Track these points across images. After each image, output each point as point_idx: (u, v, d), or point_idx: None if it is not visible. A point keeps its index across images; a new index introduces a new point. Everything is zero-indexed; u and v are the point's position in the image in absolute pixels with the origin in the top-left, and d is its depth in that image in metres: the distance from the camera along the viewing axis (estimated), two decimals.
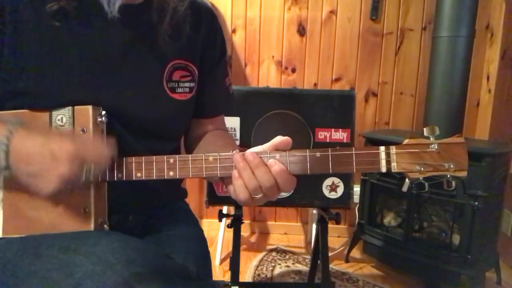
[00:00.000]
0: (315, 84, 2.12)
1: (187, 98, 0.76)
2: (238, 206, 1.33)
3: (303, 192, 1.29)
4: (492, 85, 2.00)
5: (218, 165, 0.60)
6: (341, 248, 2.07)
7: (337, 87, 2.11)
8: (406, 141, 0.57)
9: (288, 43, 2.10)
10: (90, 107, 0.63)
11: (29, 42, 0.63)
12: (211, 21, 0.81)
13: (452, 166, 0.56)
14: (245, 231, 2.26)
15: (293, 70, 2.12)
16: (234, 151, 0.60)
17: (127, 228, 0.75)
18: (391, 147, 0.56)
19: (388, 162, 0.56)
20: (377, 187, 1.79)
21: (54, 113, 0.64)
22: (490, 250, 1.62)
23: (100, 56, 0.66)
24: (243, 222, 1.30)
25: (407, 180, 1.56)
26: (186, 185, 1.90)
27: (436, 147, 0.56)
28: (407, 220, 1.70)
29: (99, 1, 0.64)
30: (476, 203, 1.48)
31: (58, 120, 0.63)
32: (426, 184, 0.61)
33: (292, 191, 1.28)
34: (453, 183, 0.57)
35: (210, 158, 0.60)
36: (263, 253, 2.00)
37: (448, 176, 0.57)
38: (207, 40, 0.80)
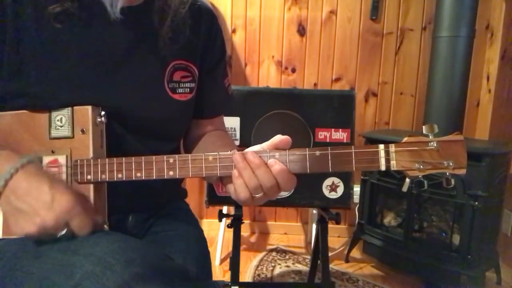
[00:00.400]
0: (315, 84, 2.12)
1: (188, 98, 0.76)
2: (238, 206, 1.33)
3: (303, 192, 1.29)
4: (492, 85, 2.00)
5: (218, 165, 0.60)
6: (341, 248, 2.07)
7: (337, 87, 2.11)
8: (405, 139, 0.57)
9: (288, 43, 2.10)
10: (89, 108, 0.63)
11: (30, 43, 0.63)
12: (211, 22, 0.81)
13: (451, 164, 0.56)
14: (245, 231, 2.26)
15: (293, 70, 2.12)
16: (233, 151, 0.60)
17: (127, 228, 0.76)
18: (390, 145, 0.56)
19: (388, 160, 0.56)
20: (377, 187, 1.79)
21: (54, 113, 0.64)
22: (490, 250, 1.62)
23: (100, 57, 0.66)
24: (243, 222, 1.30)
25: (407, 180, 1.56)
26: (186, 185, 1.90)
27: (435, 145, 0.56)
28: (407, 220, 1.70)
29: (100, 2, 0.64)
30: (476, 203, 1.48)
31: (58, 120, 0.63)
32: (426, 182, 0.61)
33: (292, 191, 1.28)
34: (452, 181, 0.57)
35: (210, 158, 0.60)
36: (263, 253, 2.00)
37: (447, 174, 0.57)
38: (207, 41, 0.80)
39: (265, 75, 2.13)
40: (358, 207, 1.90)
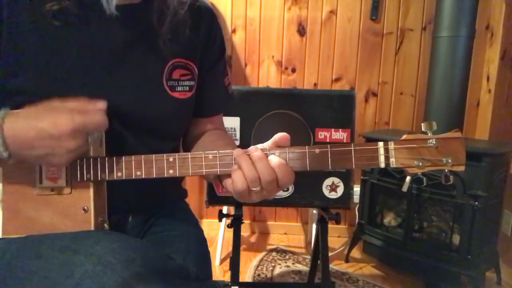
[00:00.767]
0: (315, 84, 2.12)
1: (187, 96, 0.76)
2: (238, 206, 1.33)
3: (303, 192, 1.29)
4: (492, 85, 2.00)
5: (218, 163, 0.60)
6: (341, 248, 2.07)
7: (337, 87, 2.11)
8: (404, 137, 0.57)
9: (288, 43, 2.10)
10: None
11: (28, 40, 0.62)
12: (210, 20, 0.81)
13: (450, 161, 0.56)
14: (245, 231, 2.26)
15: (293, 70, 2.12)
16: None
17: (127, 228, 0.76)
18: (389, 142, 0.57)
19: (387, 158, 0.57)
20: (377, 187, 1.79)
21: None
22: (490, 250, 1.62)
23: (99, 55, 0.66)
24: (243, 222, 1.30)
25: (407, 180, 1.56)
26: (186, 185, 1.90)
27: (434, 142, 0.56)
28: (407, 220, 1.70)
29: (98, 0, 0.64)
30: (476, 203, 1.48)
31: None
32: (425, 179, 0.61)
33: (292, 191, 1.28)
34: (451, 178, 0.57)
35: (210, 156, 0.60)
36: (263, 253, 2.00)
37: (446, 171, 0.57)
38: (207, 39, 0.80)
39: (265, 75, 2.13)
40: (358, 207, 1.90)
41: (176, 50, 0.73)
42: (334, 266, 1.88)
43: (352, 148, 0.57)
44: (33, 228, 0.62)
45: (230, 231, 1.28)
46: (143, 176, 0.61)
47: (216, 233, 1.96)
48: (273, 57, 2.11)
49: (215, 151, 0.60)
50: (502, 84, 1.95)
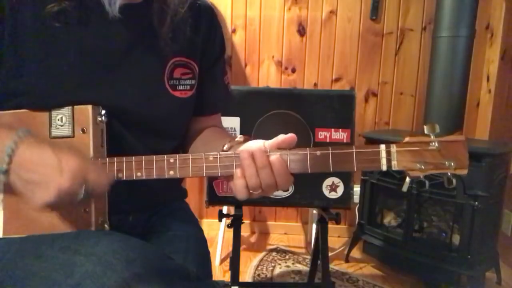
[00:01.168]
0: (315, 84, 2.12)
1: (188, 95, 0.76)
2: (238, 206, 1.33)
3: (303, 192, 1.29)
4: (492, 85, 2.00)
5: (219, 164, 0.60)
6: (341, 248, 2.07)
7: (337, 87, 2.11)
8: (406, 139, 0.56)
9: (288, 43, 2.10)
10: (89, 107, 0.63)
11: (29, 42, 0.63)
12: (210, 18, 0.81)
13: (452, 164, 0.55)
14: (245, 231, 2.26)
15: (293, 70, 2.12)
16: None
17: (127, 228, 0.75)
18: (391, 145, 0.56)
19: (389, 161, 0.56)
20: (377, 187, 1.79)
21: (54, 112, 0.63)
22: (490, 250, 1.62)
23: (100, 55, 0.66)
24: (243, 222, 1.30)
25: (407, 180, 1.56)
26: (186, 185, 1.90)
27: (437, 145, 0.55)
28: (407, 220, 1.70)
29: (99, 1, 0.64)
30: (476, 203, 1.48)
31: (58, 120, 0.63)
32: (427, 183, 0.60)
33: (292, 191, 1.28)
34: (454, 181, 0.57)
35: (211, 157, 0.60)
36: (263, 253, 2.00)
37: (449, 174, 0.56)
38: (207, 37, 0.80)
39: (265, 75, 2.13)
40: (358, 207, 1.90)
41: (176, 49, 0.73)
42: (334, 266, 1.88)
43: (354, 150, 0.57)
44: (33, 228, 0.62)
45: (230, 231, 1.28)
46: (144, 177, 0.61)
47: (216, 233, 1.96)
48: (273, 57, 2.11)
49: (216, 153, 0.60)
50: (502, 84, 1.95)
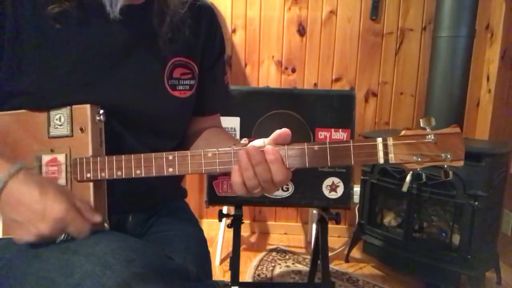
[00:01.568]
0: (315, 84, 2.12)
1: (188, 95, 0.76)
2: (238, 206, 1.33)
3: (303, 192, 1.29)
4: (492, 85, 2.00)
5: (217, 161, 0.60)
6: (341, 248, 2.07)
7: (337, 87, 2.11)
8: (403, 132, 0.57)
9: (288, 43, 2.10)
10: (88, 106, 0.63)
11: (29, 42, 0.63)
12: (210, 19, 0.81)
13: (449, 156, 0.56)
14: (245, 231, 2.26)
15: (293, 70, 2.12)
16: (232, 147, 0.60)
17: (127, 228, 0.76)
18: (388, 138, 0.57)
19: (386, 154, 0.57)
20: (377, 187, 1.79)
21: (52, 112, 0.63)
22: (490, 250, 1.62)
23: (100, 55, 0.66)
24: (243, 222, 1.30)
25: (407, 180, 1.56)
26: (186, 185, 1.90)
27: (433, 137, 0.56)
28: (407, 220, 1.70)
29: (99, 2, 0.64)
30: (476, 203, 1.48)
31: (57, 119, 0.63)
32: (424, 176, 0.61)
33: (292, 191, 1.28)
34: (450, 173, 0.57)
35: (209, 154, 0.60)
36: (263, 253, 2.00)
37: (446, 166, 0.57)
38: (207, 38, 0.80)
39: (265, 75, 2.13)
40: (358, 207, 1.90)
41: (176, 50, 0.73)
42: (334, 266, 1.88)
43: (351, 144, 0.57)
44: None
45: (230, 231, 1.28)
46: (143, 175, 0.61)
47: (216, 233, 1.96)
48: (273, 57, 2.11)
49: (214, 149, 0.60)
50: (502, 84, 1.95)
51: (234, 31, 2.10)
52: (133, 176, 0.61)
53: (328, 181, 1.28)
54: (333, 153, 0.57)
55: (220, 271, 1.83)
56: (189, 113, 0.81)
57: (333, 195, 1.29)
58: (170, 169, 0.61)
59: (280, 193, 1.28)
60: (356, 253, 1.98)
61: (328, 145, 0.57)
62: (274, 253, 2.01)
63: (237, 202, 1.31)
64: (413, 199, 1.66)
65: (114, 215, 0.68)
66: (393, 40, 2.07)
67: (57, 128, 0.63)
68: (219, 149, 0.60)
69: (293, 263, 1.90)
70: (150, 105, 0.71)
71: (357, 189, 1.88)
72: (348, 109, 1.29)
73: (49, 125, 0.64)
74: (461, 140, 0.56)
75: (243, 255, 1.92)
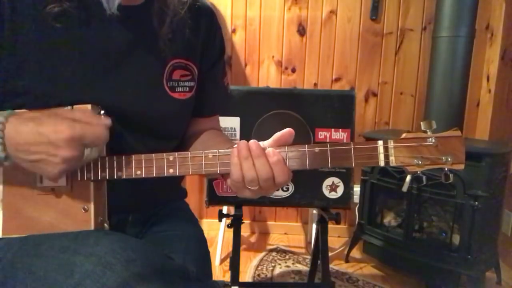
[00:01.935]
0: (315, 84, 2.12)
1: (187, 97, 0.76)
2: (238, 206, 1.33)
3: (303, 192, 1.29)
4: (492, 85, 2.00)
5: (218, 162, 0.60)
6: (341, 248, 2.07)
7: (337, 87, 2.11)
8: (404, 135, 0.57)
9: (288, 43, 2.10)
10: (89, 106, 0.63)
11: (29, 42, 0.62)
12: (210, 20, 0.81)
13: (449, 159, 0.56)
14: (245, 231, 2.26)
15: (293, 70, 2.12)
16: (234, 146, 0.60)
17: (127, 228, 0.76)
18: (389, 141, 0.57)
19: (386, 156, 0.57)
20: (377, 187, 1.79)
21: None
22: (490, 250, 1.62)
23: (100, 56, 0.66)
24: (243, 222, 1.30)
25: (407, 180, 1.56)
26: (186, 185, 1.90)
27: (434, 140, 0.56)
28: (407, 220, 1.70)
29: (99, 1, 0.64)
30: (476, 203, 1.48)
31: None
32: (424, 178, 0.61)
33: (292, 191, 1.28)
34: (451, 177, 0.57)
35: (210, 155, 0.60)
36: (263, 253, 2.00)
37: (446, 169, 0.57)
38: (207, 39, 0.80)
39: (265, 75, 2.13)
40: (358, 207, 1.90)
41: (176, 51, 0.73)
42: (334, 266, 1.88)
43: (352, 146, 0.57)
44: (33, 228, 0.62)
45: (230, 231, 1.28)
46: (143, 176, 0.61)
47: (216, 233, 1.96)
48: (273, 57, 2.11)
49: (215, 150, 0.60)
50: (502, 84, 1.95)
51: (234, 31, 2.10)
52: (134, 176, 0.61)
53: (328, 181, 1.29)
54: (334, 155, 0.57)
55: (220, 271, 1.83)
56: (189, 115, 0.81)
57: (333, 195, 1.29)
58: (171, 170, 0.61)
59: (280, 193, 1.28)
60: (356, 253, 1.98)
61: (328, 148, 0.57)
62: (274, 253, 2.01)
63: (237, 202, 1.31)
64: (413, 199, 1.67)
65: (114, 215, 0.68)
66: (393, 40, 2.07)
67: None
68: (219, 150, 0.60)
69: (293, 263, 1.90)
70: (150, 107, 0.71)
71: (357, 189, 1.88)
72: (348, 109, 1.29)
73: None
74: (461, 143, 0.56)
75: (243, 255, 1.92)
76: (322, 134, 1.29)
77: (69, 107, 0.63)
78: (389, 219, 1.86)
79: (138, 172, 0.61)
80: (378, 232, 1.80)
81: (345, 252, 1.95)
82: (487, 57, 2.04)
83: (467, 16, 1.67)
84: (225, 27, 2.08)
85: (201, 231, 0.83)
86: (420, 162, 0.56)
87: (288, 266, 1.87)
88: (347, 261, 1.93)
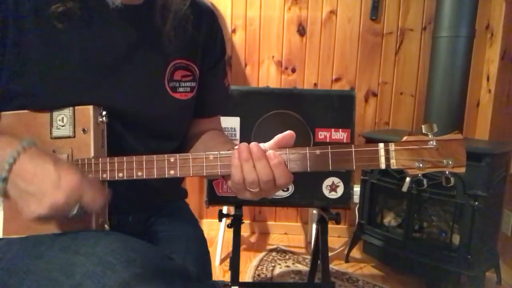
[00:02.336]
0: (315, 84, 2.12)
1: (188, 97, 0.76)
2: (238, 206, 1.33)
3: (303, 192, 1.29)
4: (492, 85, 2.00)
5: (219, 164, 0.60)
6: (341, 248, 2.07)
7: (337, 87, 2.11)
8: (405, 138, 0.57)
9: (288, 43, 2.10)
10: (90, 107, 0.63)
11: (32, 43, 0.63)
12: (211, 21, 0.81)
13: (450, 163, 0.56)
14: (245, 231, 2.26)
15: (293, 70, 2.12)
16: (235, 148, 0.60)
17: (127, 228, 0.75)
18: (390, 144, 0.57)
19: (387, 159, 0.57)
20: (377, 187, 1.79)
21: (55, 113, 0.64)
22: (490, 250, 1.62)
23: (102, 57, 0.66)
24: (243, 222, 1.30)
25: (407, 180, 1.56)
26: (186, 185, 1.90)
27: (435, 143, 0.56)
28: (407, 220, 1.70)
29: (102, 2, 0.64)
30: (476, 203, 1.48)
31: (59, 120, 0.63)
32: (425, 181, 0.61)
33: (292, 191, 1.28)
34: (452, 180, 0.57)
35: (211, 157, 0.60)
36: (263, 253, 2.00)
37: (447, 172, 0.57)
38: (208, 40, 0.80)
39: (265, 75, 2.13)
40: (358, 207, 1.90)
41: (177, 50, 0.73)
42: (334, 266, 1.88)
43: (353, 149, 0.57)
44: (33, 229, 0.62)
45: (230, 231, 1.28)
46: (144, 177, 0.61)
47: (216, 233, 1.96)
48: (273, 57, 2.11)
49: (216, 152, 0.60)
50: (502, 84, 1.95)
51: (234, 31, 2.10)
52: (135, 177, 0.61)
53: (328, 181, 1.29)
54: (335, 158, 0.57)
55: (220, 271, 1.83)
56: (190, 115, 0.81)
57: (333, 195, 1.29)
58: (172, 171, 0.61)
59: (280, 193, 1.29)
60: (356, 253, 1.98)
61: (329, 150, 0.57)
62: (274, 253, 2.01)
63: (237, 202, 1.31)
64: (413, 199, 1.67)
65: (115, 215, 0.69)
66: (393, 40, 2.07)
67: (59, 129, 0.63)
68: (220, 152, 0.60)
69: (293, 263, 1.90)
70: (151, 107, 0.71)
71: (357, 189, 1.88)
72: (348, 109, 1.29)
73: (51, 125, 0.64)
74: (462, 146, 0.56)
75: (243, 255, 1.92)
76: (322, 134, 1.29)
77: (71, 107, 0.63)
78: (389, 219, 1.86)
79: (139, 173, 0.61)
80: (378, 232, 1.80)
81: (345, 252, 1.95)
82: (487, 57, 2.04)
83: (467, 16, 1.67)
84: (225, 27, 2.08)
85: (201, 231, 0.83)
86: (421, 165, 0.56)
87: (288, 266, 1.87)
88: (347, 261, 1.93)
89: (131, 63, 0.69)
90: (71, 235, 0.58)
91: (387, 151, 0.57)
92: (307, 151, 0.58)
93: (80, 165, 0.62)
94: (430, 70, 1.79)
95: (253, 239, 2.21)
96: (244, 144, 0.58)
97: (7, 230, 0.63)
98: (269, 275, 1.78)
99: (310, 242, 2.03)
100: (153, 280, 0.51)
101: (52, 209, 0.52)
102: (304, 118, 1.28)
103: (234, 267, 1.24)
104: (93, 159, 0.62)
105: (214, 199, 1.30)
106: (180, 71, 0.75)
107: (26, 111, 0.64)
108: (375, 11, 2.04)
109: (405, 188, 1.58)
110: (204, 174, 0.60)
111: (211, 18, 0.81)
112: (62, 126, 0.63)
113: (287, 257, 1.97)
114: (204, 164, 0.60)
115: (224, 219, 1.82)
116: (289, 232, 2.26)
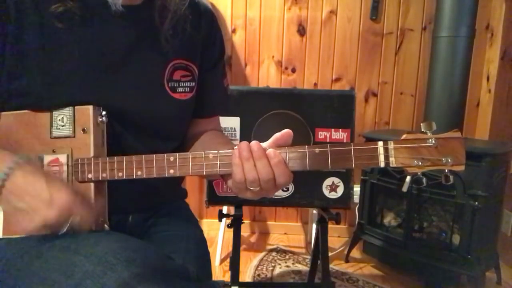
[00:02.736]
0: (315, 84, 2.12)
1: (188, 97, 0.76)
2: (238, 206, 1.33)
3: (303, 192, 1.29)
4: (492, 85, 2.00)
5: (218, 163, 0.60)
6: (341, 248, 2.07)
7: (337, 87, 2.11)
8: (404, 136, 0.57)
9: (288, 43, 2.10)
10: (90, 107, 0.63)
11: (32, 42, 0.63)
12: (211, 21, 0.81)
13: (449, 161, 0.56)
14: (245, 231, 2.26)
15: (293, 70, 2.12)
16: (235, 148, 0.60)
17: (127, 228, 0.76)
18: (389, 142, 0.57)
19: (386, 157, 0.57)
20: (377, 187, 1.79)
21: (55, 113, 0.64)
22: (490, 250, 1.62)
23: (102, 57, 0.66)
24: (243, 222, 1.30)
25: (407, 180, 1.56)
26: (186, 185, 1.90)
27: (434, 141, 0.56)
28: (407, 220, 1.70)
29: (102, 1, 0.64)
30: (476, 203, 1.48)
31: (59, 120, 0.64)
32: (425, 179, 0.61)
33: (292, 191, 1.28)
34: (451, 178, 0.57)
35: (210, 156, 0.60)
36: (263, 253, 2.00)
37: (446, 170, 0.57)
38: (207, 40, 0.80)
39: (265, 75, 2.13)
40: (358, 207, 1.90)
41: (177, 50, 0.73)
42: (334, 266, 1.88)
43: (352, 147, 0.57)
44: None
45: (230, 231, 1.28)
46: (144, 176, 0.61)
47: (216, 233, 1.96)
48: (273, 57, 2.11)
49: (215, 151, 0.60)
50: (502, 84, 1.95)
51: (234, 31, 2.10)
52: (134, 177, 0.61)
53: (328, 181, 1.29)
54: (334, 156, 0.57)
55: (220, 271, 1.83)
56: (189, 115, 0.81)
57: (333, 195, 1.29)
58: (171, 171, 0.61)
59: (280, 193, 1.29)
60: (356, 253, 1.98)
61: (329, 148, 0.57)
62: (274, 253, 2.01)
63: (237, 202, 1.31)
64: (413, 199, 1.67)
65: (114, 215, 0.69)
66: (393, 40, 2.07)
67: (59, 128, 0.63)
68: (220, 151, 0.60)
69: (293, 263, 1.90)
70: (151, 107, 0.71)
71: (357, 189, 1.88)
72: (348, 109, 1.29)
73: (51, 125, 0.64)
74: (462, 144, 0.56)
75: (243, 255, 1.92)
76: (322, 134, 1.29)
77: (71, 106, 0.63)
78: (389, 219, 1.86)
79: (139, 173, 0.61)
80: (378, 232, 1.80)
81: (345, 252, 1.95)
82: (487, 57, 2.04)
83: (467, 16, 1.67)
84: (225, 27, 2.08)
85: (201, 231, 0.83)
86: (420, 163, 0.56)
87: (288, 266, 1.87)
88: (347, 261, 1.93)
89: (130, 63, 0.69)
90: (71, 235, 0.58)
91: (386, 149, 0.57)
92: (307, 150, 0.58)
93: (80, 165, 0.63)
94: (430, 70, 1.79)
95: (253, 239, 2.21)
96: (245, 142, 0.58)
97: (7, 230, 0.63)
98: (269, 275, 1.78)
99: (310, 242, 2.03)
100: (153, 280, 0.51)
101: (43, 226, 0.53)
102: (304, 118, 1.28)
103: (234, 267, 1.24)
104: (92, 159, 0.62)
105: (214, 199, 1.30)
106: (179, 71, 0.75)
107: (26, 111, 0.64)
108: (375, 11, 2.04)
109: (405, 188, 1.58)
110: (204, 173, 0.60)
111: (210, 18, 0.82)
112: (62, 126, 0.63)
113: (287, 257, 1.97)
114: (204, 163, 0.60)
115: (224, 219, 1.82)
116: (289, 232, 2.26)
